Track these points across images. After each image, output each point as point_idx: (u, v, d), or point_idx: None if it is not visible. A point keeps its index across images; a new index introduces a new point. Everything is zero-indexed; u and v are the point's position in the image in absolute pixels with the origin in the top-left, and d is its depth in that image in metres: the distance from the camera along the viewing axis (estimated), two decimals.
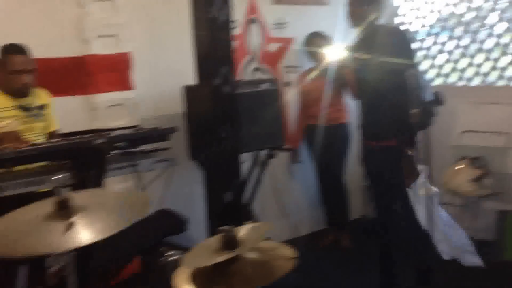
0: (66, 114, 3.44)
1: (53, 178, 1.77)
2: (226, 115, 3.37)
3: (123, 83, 3.89)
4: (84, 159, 2.78)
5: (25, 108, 3.06)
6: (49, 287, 3.38)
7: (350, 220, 4.71)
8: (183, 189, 3.90)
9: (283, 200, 4.58)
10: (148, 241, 3.43)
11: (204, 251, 1.73)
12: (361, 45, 3.18)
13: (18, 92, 3.04)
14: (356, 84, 3.38)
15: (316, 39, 4.42)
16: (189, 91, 3.68)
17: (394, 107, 3.02)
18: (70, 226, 1.59)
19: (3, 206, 2.11)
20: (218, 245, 1.71)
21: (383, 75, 3.01)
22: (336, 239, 4.53)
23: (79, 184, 2.74)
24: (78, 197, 1.74)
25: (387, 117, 3.06)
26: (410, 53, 3.13)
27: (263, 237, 1.73)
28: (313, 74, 4.35)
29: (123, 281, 3.53)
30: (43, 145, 2.83)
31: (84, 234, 1.60)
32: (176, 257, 1.93)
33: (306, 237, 4.71)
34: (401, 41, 3.11)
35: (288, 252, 1.73)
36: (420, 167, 3.28)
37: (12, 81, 3.01)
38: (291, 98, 4.50)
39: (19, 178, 2.72)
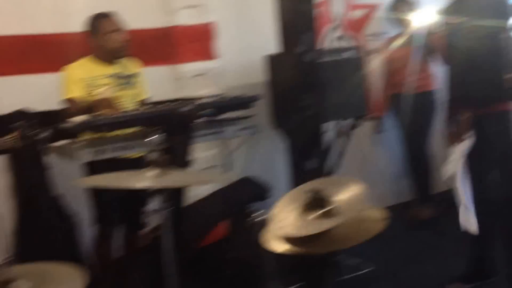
0: (153, 84, 3.55)
1: (146, 140, 1.83)
2: (309, 83, 3.36)
3: (208, 53, 3.97)
4: (172, 126, 2.87)
5: (118, 76, 3.19)
6: (142, 248, 3.55)
7: (436, 193, 4.60)
8: (266, 157, 3.95)
9: (367, 170, 4.53)
10: (232, 207, 3.52)
11: (292, 208, 1.76)
12: (453, 8, 3.05)
13: (111, 57, 3.16)
14: (446, 50, 3.26)
15: (402, 4, 4.30)
16: (272, 60, 3.69)
17: (488, 72, 2.90)
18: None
19: (99, 170, 2.24)
20: (306, 202, 1.73)
21: (476, 39, 2.87)
22: (421, 212, 4.45)
23: (168, 150, 2.85)
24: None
25: (481, 83, 2.94)
26: (505, 16, 2.97)
27: (361, 199, 1.73)
28: (399, 41, 4.25)
29: (210, 245, 3.65)
30: (134, 112, 2.96)
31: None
32: (263, 217, 1.96)
33: (390, 209, 4.63)
34: (496, 3, 2.96)
35: (380, 214, 1.73)
36: None
37: (108, 41, 3.12)
38: (375, 66, 4.41)
39: (113, 143, 2.86)
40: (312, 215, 1.68)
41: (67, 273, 1.74)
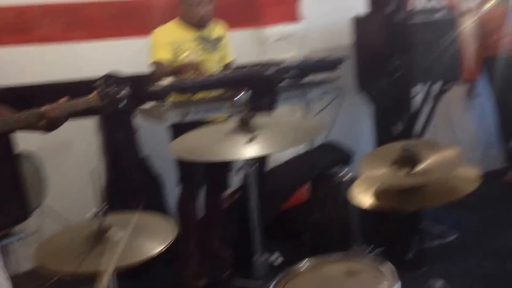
0: (238, 47, 3.56)
1: (235, 99, 1.84)
2: (398, 45, 3.25)
3: (292, 15, 3.92)
4: (257, 88, 2.87)
5: (203, 40, 3.22)
6: (224, 209, 3.63)
7: None
8: (351, 121, 3.89)
9: (457, 136, 4.37)
10: (315, 171, 3.50)
11: (381, 164, 1.73)
12: None
13: (197, 24, 3.20)
14: None
15: None
16: (360, 21, 3.59)
17: None
18: (251, 139, 1.68)
19: (184, 132, 2.27)
20: (397, 159, 1.69)
21: None
22: None
23: (253, 112, 2.87)
24: (258, 118, 1.82)
25: None
26: None
27: (454, 161, 1.67)
28: (494, 0, 4.00)
29: (292, 207, 3.67)
30: (220, 75, 2.99)
31: (262, 146, 1.67)
32: (347, 178, 1.94)
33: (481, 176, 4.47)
34: None
35: (472, 173, 1.66)
36: None
37: (191, 13, 3.17)
38: (468, 27, 4.19)
39: (199, 105, 2.91)
40: (403, 171, 1.65)
41: (158, 223, 1.81)
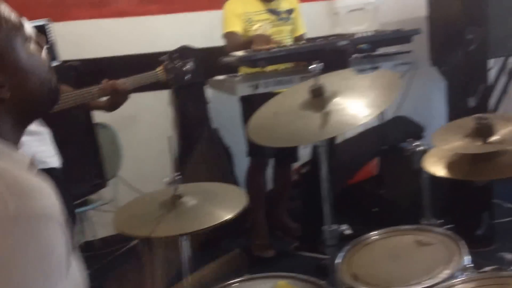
0: (309, 20, 3.54)
1: (306, 71, 1.83)
2: (473, 16, 3.14)
3: None
4: (329, 60, 2.86)
5: (275, 12, 3.22)
6: (293, 182, 3.67)
7: None
8: (423, 94, 3.81)
9: None
10: (385, 145, 3.46)
11: (455, 135, 1.70)
12: None
13: None
14: None
15: None
16: None
17: None
18: (326, 115, 1.68)
19: (255, 104, 2.30)
20: (471, 130, 1.66)
21: None
22: None
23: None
24: (329, 81, 1.80)
25: None
26: None
27: None
28: None
29: (360, 182, 3.66)
30: (292, 47, 2.99)
31: (341, 121, 1.67)
32: (420, 149, 1.91)
33: None
34: None
35: None
36: None
37: None
38: None
39: (270, 77, 2.93)
40: (478, 142, 1.62)
41: (228, 193, 1.85)
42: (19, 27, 0.97)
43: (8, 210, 0.76)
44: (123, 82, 2.21)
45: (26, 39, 0.98)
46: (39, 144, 2.04)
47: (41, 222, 0.79)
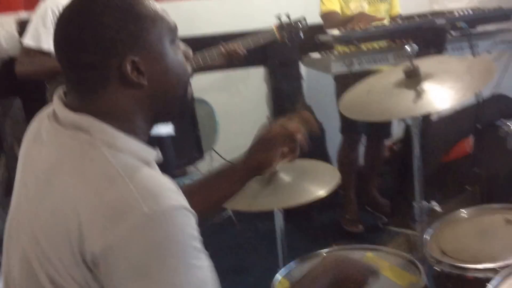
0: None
1: (403, 50, 1.86)
2: None
3: None
4: (425, 39, 2.85)
5: None
6: (385, 158, 3.70)
7: None
8: None
9: None
10: (481, 122, 3.40)
11: None
12: None
13: None
14: None
15: None
16: None
17: None
18: (420, 93, 1.72)
19: (350, 82, 2.37)
20: None
21: None
22: None
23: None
24: (425, 65, 1.83)
25: None
26: None
27: None
28: None
29: (453, 160, 3.62)
30: (388, 25, 3.00)
31: (432, 101, 1.70)
32: None
33: None
34: None
35: None
36: None
37: None
38: None
39: (364, 55, 2.96)
40: None
41: (321, 169, 1.93)
42: (174, 30, 1.06)
43: (143, 210, 0.90)
44: (238, 45, 2.58)
45: (175, 43, 1.07)
46: None
47: (174, 211, 0.93)
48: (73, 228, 0.92)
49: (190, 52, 1.12)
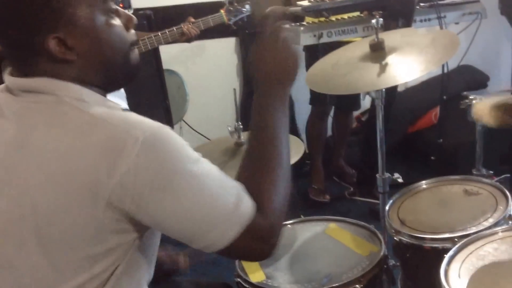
0: None
1: (370, 21, 1.86)
2: None
3: None
4: (394, 9, 2.85)
5: None
6: (352, 129, 3.72)
7: None
8: (490, 44, 3.72)
9: None
10: (447, 93, 3.45)
11: None
12: None
13: None
14: None
15: None
16: None
17: None
18: (384, 66, 1.73)
19: (319, 53, 2.37)
20: None
21: None
22: None
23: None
24: (390, 38, 1.85)
25: None
26: None
27: None
28: None
29: (419, 131, 3.68)
30: None
31: (396, 74, 1.72)
32: (479, 99, 1.93)
33: None
34: None
35: None
36: None
37: None
38: None
39: (333, 27, 2.95)
40: None
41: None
42: (106, 0, 1.04)
43: (137, 138, 0.95)
44: (194, 26, 2.84)
45: (108, 12, 1.05)
46: None
47: (161, 129, 0.99)
48: (87, 178, 0.94)
49: (134, 19, 1.12)
